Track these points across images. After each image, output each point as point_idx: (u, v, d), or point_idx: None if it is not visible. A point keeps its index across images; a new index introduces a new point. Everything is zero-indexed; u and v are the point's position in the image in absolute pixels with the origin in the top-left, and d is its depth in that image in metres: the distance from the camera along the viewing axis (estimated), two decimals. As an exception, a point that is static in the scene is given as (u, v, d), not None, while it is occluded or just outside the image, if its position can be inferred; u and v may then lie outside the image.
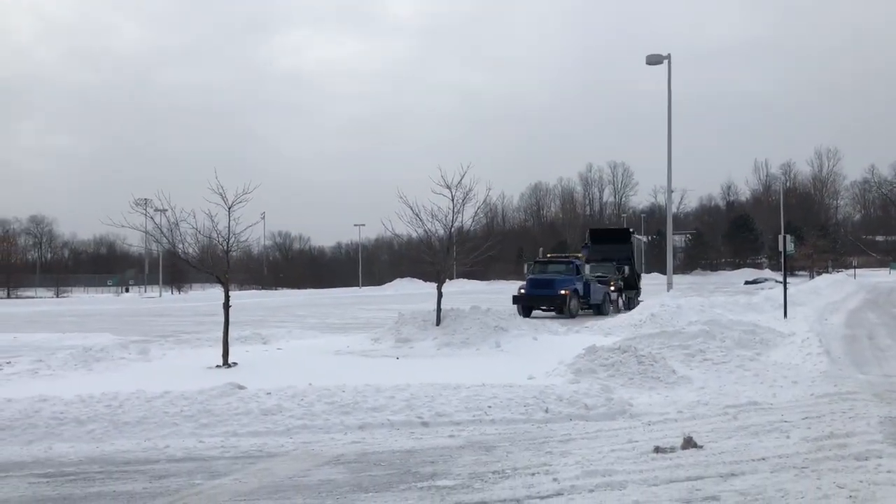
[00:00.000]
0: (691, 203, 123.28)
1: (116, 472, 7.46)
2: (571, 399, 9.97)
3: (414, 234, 20.93)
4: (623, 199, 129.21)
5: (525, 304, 28.60)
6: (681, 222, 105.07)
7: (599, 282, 30.73)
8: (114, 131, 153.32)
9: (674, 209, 45.46)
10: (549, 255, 36.51)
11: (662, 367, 11.80)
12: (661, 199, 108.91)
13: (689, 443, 7.68)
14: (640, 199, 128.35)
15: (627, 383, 11.33)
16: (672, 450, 7.57)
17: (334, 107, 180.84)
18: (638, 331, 18.34)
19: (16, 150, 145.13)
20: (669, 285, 30.81)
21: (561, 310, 27.91)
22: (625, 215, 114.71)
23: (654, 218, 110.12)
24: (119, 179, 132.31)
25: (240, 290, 72.66)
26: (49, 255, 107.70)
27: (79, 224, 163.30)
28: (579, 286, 28.61)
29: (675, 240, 48.18)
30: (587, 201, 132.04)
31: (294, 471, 7.39)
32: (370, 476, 7.13)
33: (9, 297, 68.93)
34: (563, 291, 27.92)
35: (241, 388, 10.14)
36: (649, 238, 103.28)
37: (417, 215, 17.82)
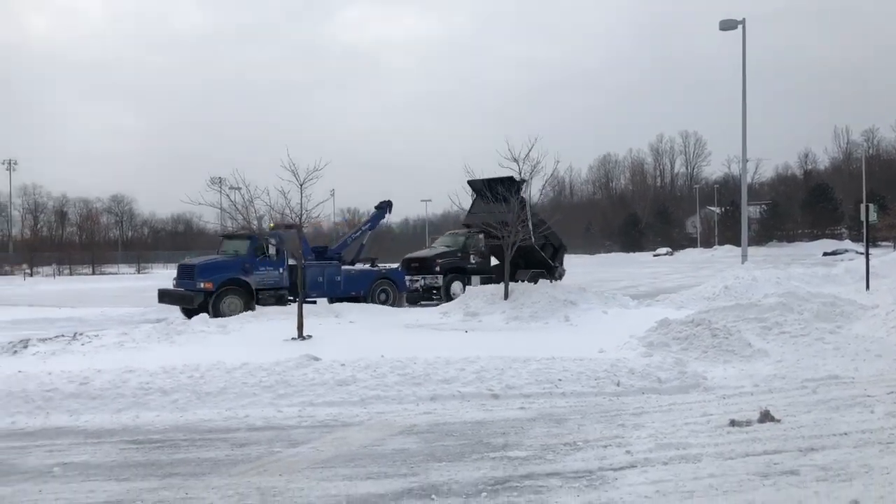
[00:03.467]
0: (766, 172, 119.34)
1: (200, 440, 7.78)
2: (644, 372, 9.88)
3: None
4: (695, 169, 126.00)
5: (168, 303, 20.90)
6: (756, 192, 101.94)
7: (441, 257, 24.35)
8: (186, 112, 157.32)
9: (748, 179, 39.06)
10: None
11: (737, 341, 11.56)
12: (735, 170, 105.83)
13: (766, 416, 7.53)
14: (712, 170, 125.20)
15: (701, 356, 11.15)
16: (748, 423, 7.44)
17: (396, 82, 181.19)
18: (711, 304, 17.97)
19: (96, 132, 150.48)
20: (744, 257, 29.98)
21: (202, 309, 19.00)
22: (697, 186, 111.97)
23: (728, 188, 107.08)
24: (194, 159, 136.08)
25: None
26: (130, 233, 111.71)
27: (157, 203, 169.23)
28: (250, 273, 20.15)
29: (749, 211, 41.58)
30: (658, 172, 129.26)
31: (369, 440, 7.56)
32: (443, 446, 7.24)
33: (94, 273, 71.87)
34: (203, 284, 19.59)
35: (316, 359, 10.39)
36: (722, 209, 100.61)
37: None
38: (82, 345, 13.64)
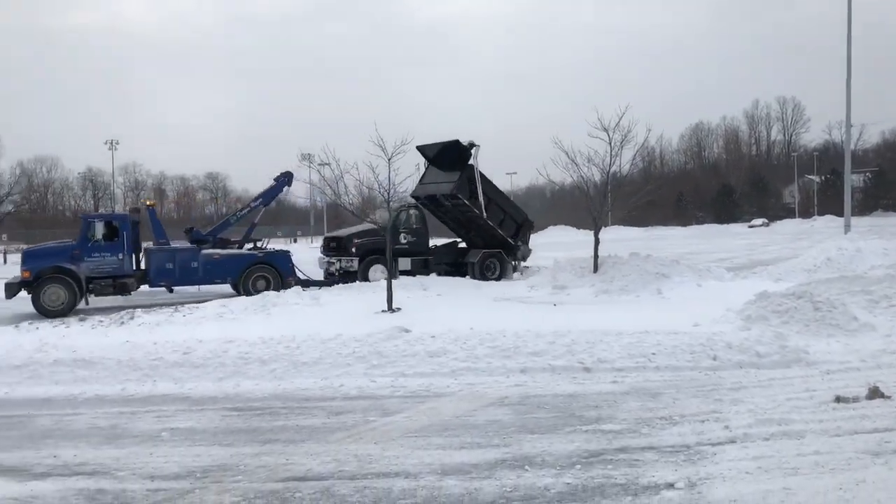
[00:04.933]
0: (871, 138, 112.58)
1: (298, 408, 8.01)
2: (742, 346, 9.58)
3: (567, 181, 20.59)
4: (793, 136, 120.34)
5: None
6: (860, 160, 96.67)
7: (360, 236, 20.71)
8: (275, 90, 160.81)
9: (852, 145, 36.31)
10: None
11: (842, 314, 11.04)
12: (837, 136, 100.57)
13: (875, 393, 7.19)
14: (811, 137, 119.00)
15: (803, 330, 10.71)
16: (855, 400, 7.12)
17: (477, 56, 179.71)
18: (812, 276, 17.22)
19: (192, 112, 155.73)
20: (847, 227, 28.54)
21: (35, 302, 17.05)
22: (794, 154, 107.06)
23: (829, 156, 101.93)
24: (283, 136, 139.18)
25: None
26: (224, 209, 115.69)
27: (249, 179, 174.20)
28: (79, 260, 17.58)
29: (852, 179, 38.97)
30: (753, 140, 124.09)
31: (461, 410, 7.62)
32: (534, 418, 7.23)
33: (192, 248, 74.98)
34: (22, 273, 17.33)
35: (406, 331, 10.52)
36: (822, 178, 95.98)
37: (573, 160, 17.44)
38: (184, 316, 14.20)
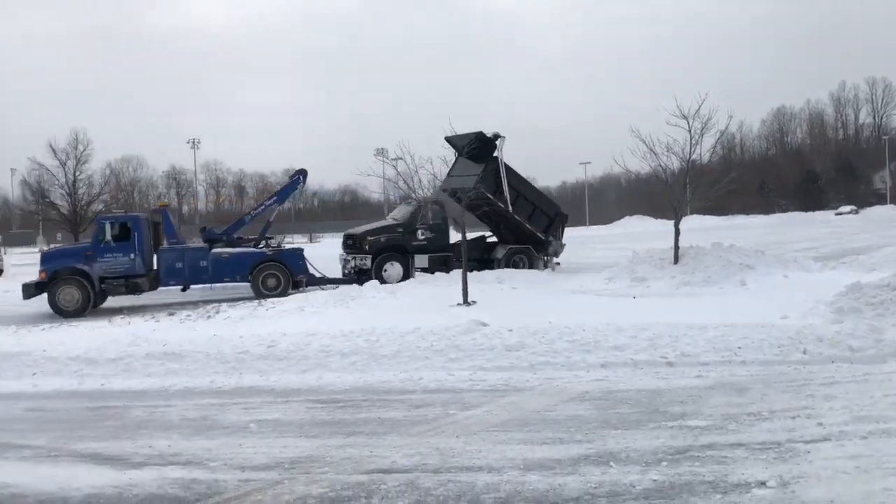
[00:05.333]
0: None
1: (378, 401, 8.12)
2: (834, 340, 9.22)
3: (644, 170, 20.17)
4: (884, 118, 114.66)
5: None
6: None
7: (374, 234, 20.57)
8: (347, 87, 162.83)
9: None
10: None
11: (943, 306, 10.48)
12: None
13: (982, 390, 6.80)
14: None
15: (900, 323, 10.21)
16: (961, 397, 6.75)
17: (546, 42, 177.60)
18: (908, 266, 16.39)
19: (268, 109, 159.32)
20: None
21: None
22: (886, 137, 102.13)
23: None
24: (358, 132, 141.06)
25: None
26: (301, 205, 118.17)
27: (325, 174, 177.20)
28: (92, 260, 17.89)
29: None
30: (839, 124, 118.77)
31: (541, 405, 7.58)
32: (617, 413, 7.13)
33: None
34: (39, 274, 17.94)
35: (484, 325, 10.53)
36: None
37: (651, 149, 17.10)
38: (267, 310, 14.60)
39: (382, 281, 19.17)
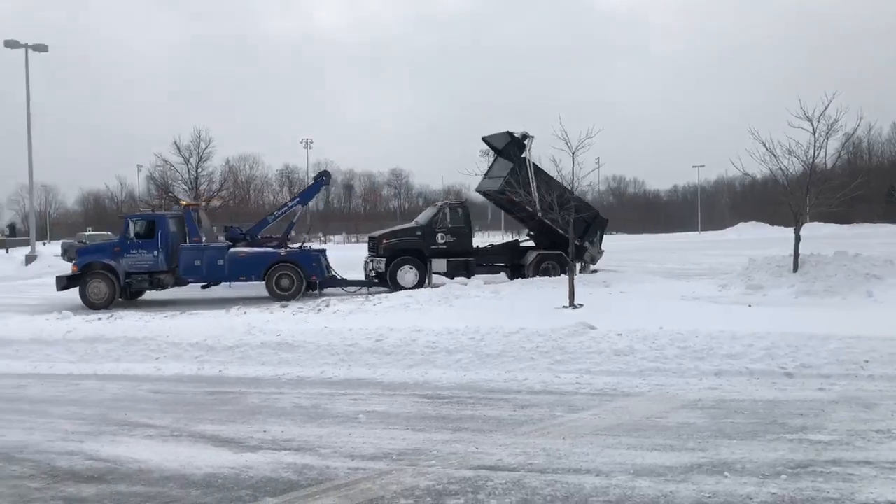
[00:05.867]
0: None
1: (483, 399, 8.13)
2: (975, 356, 8.55)
3: (760, 174, 19.29)
4: None
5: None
6: None
7: (390, 237, 20.37)
8: (455, 86, 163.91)
9: None
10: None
11: None
12: None
13: None
14: None
15: None
16: None
17: (660, 43, 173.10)
18: None
19: (375, 111, 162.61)
20: None
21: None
22: None
23: None
24: (463, 132, 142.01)
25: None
26: (407, 204, 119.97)
27: (430, 175, 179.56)
28: (120, 256, 18.97)
29: None
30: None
31: (651, 411, 7.39)
32: (732, 423, 6.85)
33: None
34: (72, 268, 19.36)
35: (591, 328, 10.36)
36: None
37: (772, 151, 16.33)
38: (374, 305, 14.88)
39: (397, 285, 19.12)
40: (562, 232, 19.45)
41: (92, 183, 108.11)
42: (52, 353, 11.57)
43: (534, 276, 19.48)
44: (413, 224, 21.38)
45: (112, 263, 18.79)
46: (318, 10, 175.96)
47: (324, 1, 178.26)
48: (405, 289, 18.44)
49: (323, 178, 21.97)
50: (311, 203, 21.56)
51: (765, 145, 16.25)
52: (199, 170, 46.45)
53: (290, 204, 21.73)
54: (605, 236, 21.45)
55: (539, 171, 19.78)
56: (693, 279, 19.79)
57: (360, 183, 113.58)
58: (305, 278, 19.20)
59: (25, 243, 46.62)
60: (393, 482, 5.47)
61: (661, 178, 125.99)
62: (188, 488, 5.51)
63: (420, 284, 19.17)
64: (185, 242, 19.82)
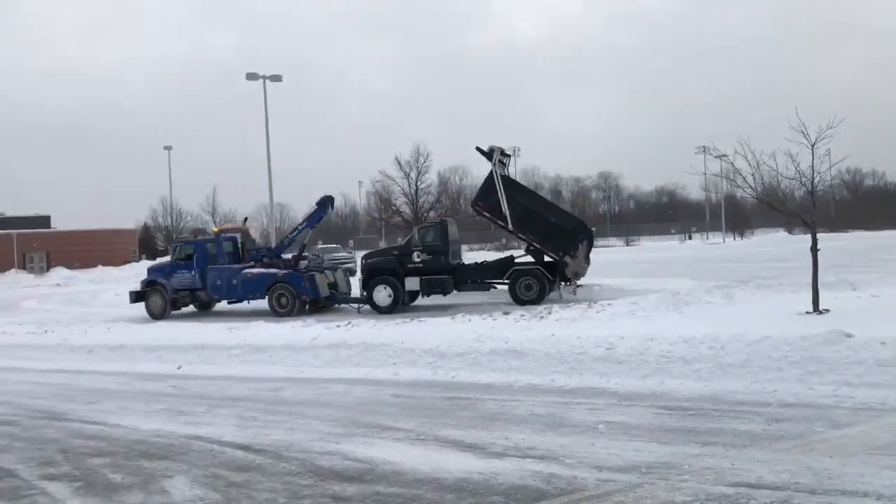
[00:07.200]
0: None
1: (730, 412, 7.67)
2: None
3: None
4: None
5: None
6: None
7: (369, 257, 21.41)
8: (659, 86, 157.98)
9: None
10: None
11: None
12: None
13: None
14: None
15: None
16: None
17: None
18: None
19: (583, 114, 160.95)
20: None
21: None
22: None
23: None
24: (675, 131, 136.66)
25: (803, 233, 68.43)
26: (617, 208, 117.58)
27: (641, 176, 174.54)
28: (170, 275, 22.23)
29: None
30: None
31: (932, 430, 6.57)
32: None
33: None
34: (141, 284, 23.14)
35: (848, 335, 9.44)
36: None
37: None
38: (597, 312, 14.63)
39: (374, 304, 19.66)
40: (536, 246, 19.46)
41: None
42: (301, 359, 12.56)
43: (514, 293, 19.24)
44: (396, 244, 22.60)
45: (164, 282, 22.08)
46: (515, 19, 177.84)
47: (522, 10, 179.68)
48: (380, 307, 19.42)
49: (327, 201, 22.91)
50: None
51: None
52: (419, 183, 48.61)
53: (300, 228, 23.42)
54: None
55: (511, 184, 19.87)
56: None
57: (568, 188, 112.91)
58: (297, 297, 20.37)
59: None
60: (646, 496, 5.29)
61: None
62: (442, 492, 5.69)
63: (395, 303, 19.60)
64: (237, 263, 22.06)
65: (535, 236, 19.67)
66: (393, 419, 8.22)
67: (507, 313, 15.95)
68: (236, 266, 21.70)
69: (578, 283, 19.92)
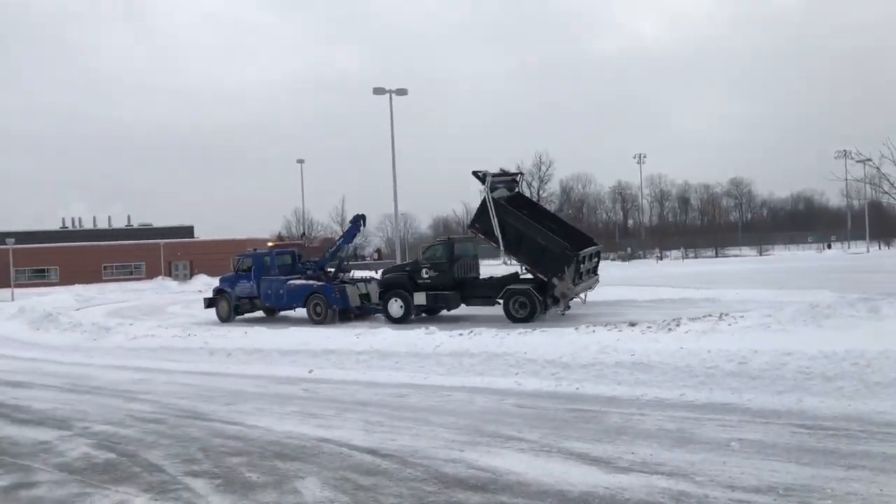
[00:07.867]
0: None
1: (879, 434, 7.18)
2: None
3: None
4: None
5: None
6: None
7: (387, 272, 22.78)
8: (792, 89, 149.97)
9: None
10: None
11: None
12: None
13: None
14: None
15: None
16: None
17: None
18: None
19: (709, 120, 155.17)
20: None
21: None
22: None
23: None
24: (809, 135, 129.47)
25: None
26: (749, 215, 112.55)
27: (775, 183, 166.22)
28: (234, 284, 24.64)
29: None
30: None
31: None
32: None
33: (716, 255, 74.75)
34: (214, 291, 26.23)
35: None
36: None
37: None
38: (728, 325, 14.01)
39: (388, 315, 20.94)
40: (528, 268, 19.96)
41: (440, 209, 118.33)
42: (424, 366, 12.77)
43: (507, 310, 19.63)
44: (409, 261, 24.39)
45: (229, 290, 24.61)
46: (638, 24, 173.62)
47: (646, 13, 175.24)
48: (393, 318, 20.71)
49: (359, 220, 24.64)
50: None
51: None
52: (541, 192, 48.40)
53: (338, 243, 25.18)
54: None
55: (501, 208, 20.23)
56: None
57: (697, 195, 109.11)
58: (328, 307, 21.74)
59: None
60: (784, 520, 5.04)
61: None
62: (566, 505, 5.63)
63: (406, 315, 20.78)
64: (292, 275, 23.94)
65: (525, 258, 20.30)
66: (516, 429, 8.21)
67: (633, 324, 15.59)
68: (283, 277, 23.68)
69: (569, 304, 20.41)
